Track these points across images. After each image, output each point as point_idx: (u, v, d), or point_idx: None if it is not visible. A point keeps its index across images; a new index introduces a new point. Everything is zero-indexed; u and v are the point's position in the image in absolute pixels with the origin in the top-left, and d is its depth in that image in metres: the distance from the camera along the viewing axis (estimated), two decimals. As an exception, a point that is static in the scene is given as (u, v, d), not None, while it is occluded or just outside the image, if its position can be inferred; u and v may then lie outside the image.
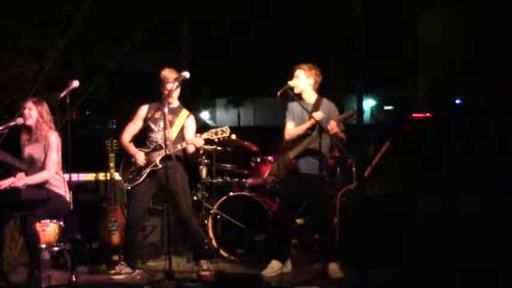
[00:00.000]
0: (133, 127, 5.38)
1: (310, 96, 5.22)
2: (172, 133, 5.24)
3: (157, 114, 5.27)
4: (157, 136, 5.27)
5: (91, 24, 7.98)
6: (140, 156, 5.25)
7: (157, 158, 5.19)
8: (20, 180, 4.82)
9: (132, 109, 5.55)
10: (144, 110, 5.38)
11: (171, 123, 5.25)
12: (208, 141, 5.23)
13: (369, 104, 19.49)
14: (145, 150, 5.29)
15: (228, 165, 6.55)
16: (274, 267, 5.11)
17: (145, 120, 5.33)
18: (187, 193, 5.30)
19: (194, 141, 5.11)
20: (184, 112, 5.35)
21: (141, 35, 7.77)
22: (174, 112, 5.30)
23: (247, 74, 16.36)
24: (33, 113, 4.95)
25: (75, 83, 4.89)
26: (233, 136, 6.35)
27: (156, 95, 5.35)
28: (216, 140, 5.09)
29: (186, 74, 5.05)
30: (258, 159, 6.32)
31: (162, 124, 5.22)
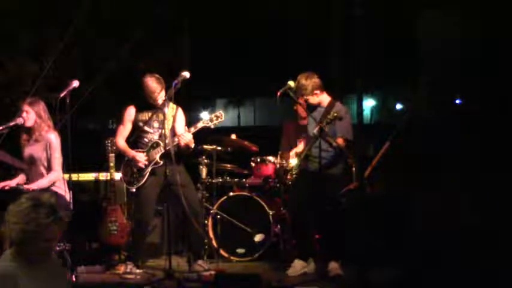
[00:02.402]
0: (125, 130, 5.39)
1: (325, 101, 5.18)
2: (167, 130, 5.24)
3: (149, 116, 5.27)
4: (154, 137, 5.29)
5: (91, 24, 7.97)
6: (140, 157, 5.25)
7: (157, 155, 5.20)
8: (33, 184, 4.83)
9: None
10: (131, 111, 5.36)
11: (163, 121, 5.23)
12: (206, 130, 5.19)
13: (369, 104, 19.47)
14: (143, 150, 5.30)
15: (228, 165, 6.55)
16: (296, 266, 5.11)
17: (136, 123, 5.33)
18: (188, 189, 5.29)
19: (180, 137, 5.10)
20: (172, 106, 5.34)
21: (141, 35, 7.77)
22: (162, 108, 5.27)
23: (247, 74, 16.35)
24: (30, 115, 4.92)
25: (75, 83, 4.90)
26: (233, 136, 6.37)
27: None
28: (213, 126, 5.06)
29: (186, 74, 5.05)
30: (258, 159, 6.32)
31: (155, 124, 5.24)
